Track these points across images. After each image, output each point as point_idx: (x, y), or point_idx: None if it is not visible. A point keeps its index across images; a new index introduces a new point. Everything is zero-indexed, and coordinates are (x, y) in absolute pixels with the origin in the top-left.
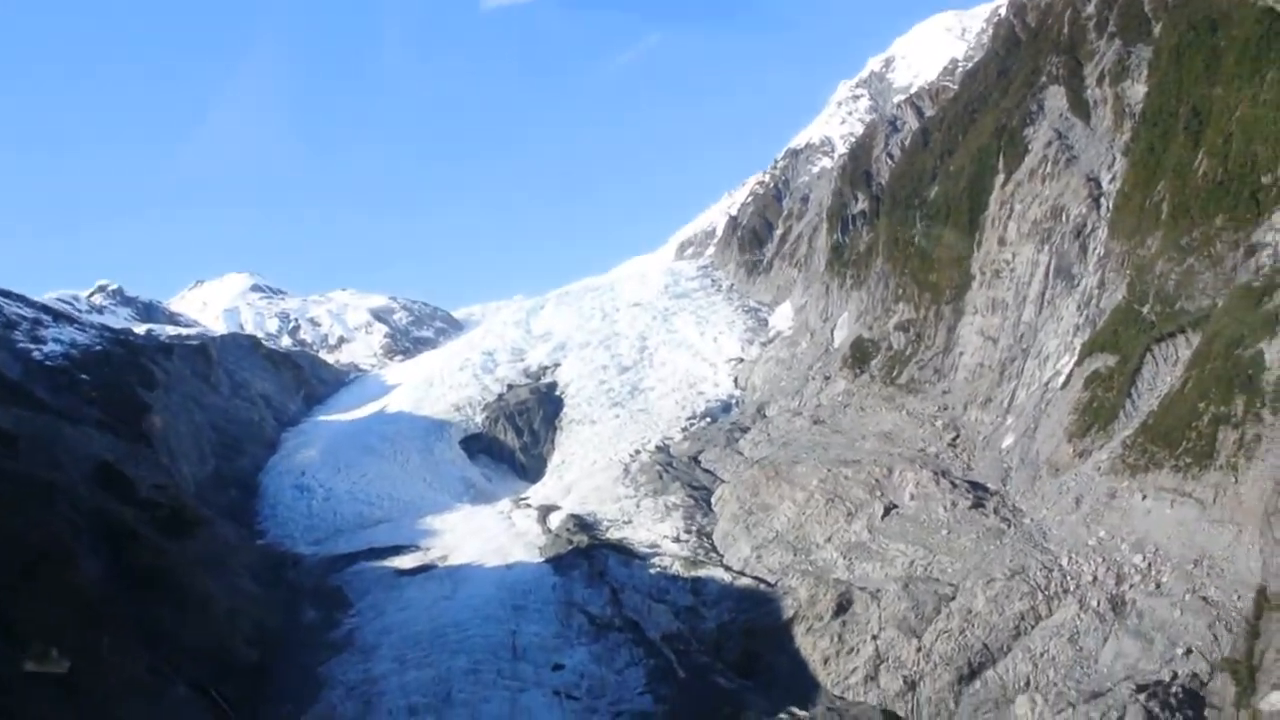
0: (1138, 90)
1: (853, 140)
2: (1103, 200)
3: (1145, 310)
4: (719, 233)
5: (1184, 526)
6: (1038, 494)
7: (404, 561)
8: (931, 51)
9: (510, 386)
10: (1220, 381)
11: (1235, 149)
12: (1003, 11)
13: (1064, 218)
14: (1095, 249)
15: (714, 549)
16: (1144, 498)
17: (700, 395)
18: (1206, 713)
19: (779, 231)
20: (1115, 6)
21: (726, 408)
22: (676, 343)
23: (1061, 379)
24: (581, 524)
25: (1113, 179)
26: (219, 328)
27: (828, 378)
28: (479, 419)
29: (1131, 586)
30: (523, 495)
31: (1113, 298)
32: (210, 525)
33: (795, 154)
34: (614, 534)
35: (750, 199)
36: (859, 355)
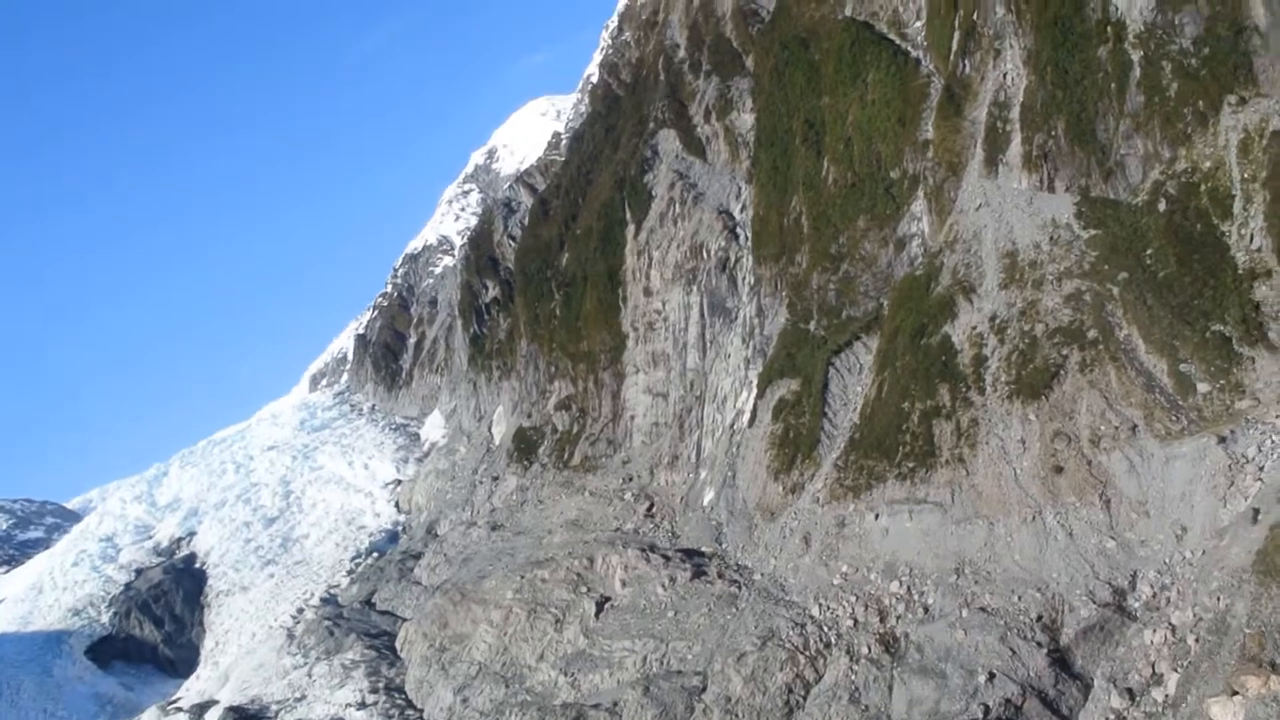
0: (745, 119)
1: (470, 233)
2: (739, 230)
3: (812, 326)
4: (350, 356)
5: (930, 536)
6: (759, 545)
7: None
8: (532, 135)
9: (139, 571)
10: (916, 375)
11: (858, 151)
12: (594, 78)
13: (705, 254)
14: (744, 278)
15: (409, 704)
16: (877, 516)
17: (361, 530)
18: None
19: (412, 340)
20: (705, 47)
21: (393, 537)
22: (325, 479)
23: (746, 417)
24: (244, 718)
25: (743, 207)
26: None
27: (496, 478)
28: (106, 618)
29: (899, 619)
30: (173, 698)
31: (775, 322)
32: None
33: (414, 259)
34: (285, 719)
35: (376, 314)
36: (524, 446)
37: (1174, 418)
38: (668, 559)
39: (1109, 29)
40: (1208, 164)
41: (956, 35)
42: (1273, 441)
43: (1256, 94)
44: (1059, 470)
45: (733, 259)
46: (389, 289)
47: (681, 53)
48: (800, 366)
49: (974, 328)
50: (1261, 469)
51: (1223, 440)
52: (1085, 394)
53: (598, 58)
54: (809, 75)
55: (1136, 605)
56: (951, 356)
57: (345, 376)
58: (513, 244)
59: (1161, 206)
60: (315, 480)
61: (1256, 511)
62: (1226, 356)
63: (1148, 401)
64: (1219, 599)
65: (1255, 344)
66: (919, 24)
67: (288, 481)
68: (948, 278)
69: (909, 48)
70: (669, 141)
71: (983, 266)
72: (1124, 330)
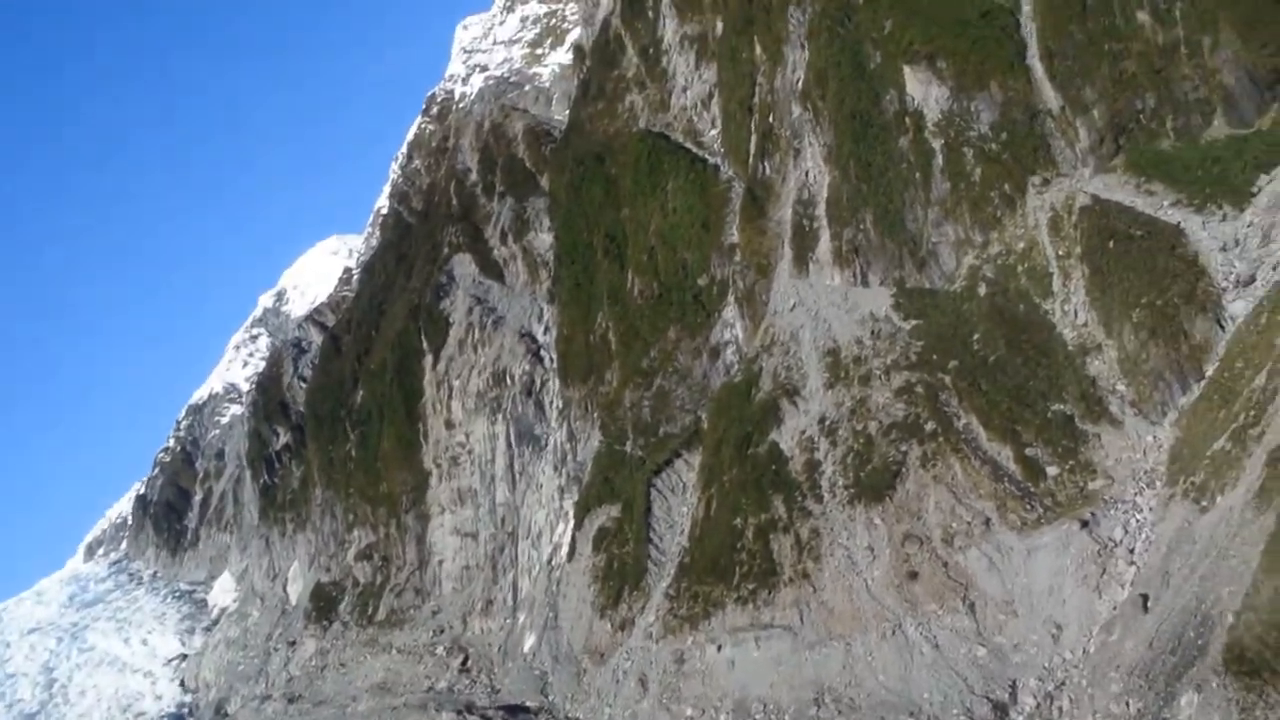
0: (544, 238)
1: (258, 377)
2: (543, 352)
3: (629, 447)
4: (130, 519)
5: (782, 665)
6: (590, 692)
7: None
8: (322, 273)
9: None
10: (746, 488)
11: (663, 260)
12: (385, 209)
13: (509, 380)
14: (552, 402)
15: None
16: (719, 648)
17: (140, 717)
18: None
19: (198, 497)
20: (498, 169)
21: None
22: (96, 661)
23: (565, 551)
24: None
25: (546, 328)
26: None
27: (293, 642)
28: None
29: None
30: None
31: (589, 446)
32: None
33: (198, 410)
34: None
35: (158, 472)
36: (323, 604)
37: (1028, 506)
38: (487, 719)
39: (907, 119)
40: (1021, 245)
41: (754, 138)
42: (1138, 520)
43: (1057, 174)
44: (914, 576)
45: (538, 383)
46: (171, 444)
47: (474, 176)
48: (619, 491)
49: (803, 432)
50: (1133, 551)
51: (1085, 525)
52: (931, 490)
53: (387, 189)
54: (607, 189)
55: (1020, 718)
56: (782, 464)
57: (124, 543)
58: (303, 385)
59: (981, 291)
60: (85, 663)
61: (1145, 598)
62: (1071, 436)
63: (998, 492)
64: (1126, 703)
65: (1098, 420)
66: (714, 132)
67: (51, 669)
68: (769, 382)
69: (706, 155)
70: (465, 266)
71: (804, 367)
72: (963, 419)
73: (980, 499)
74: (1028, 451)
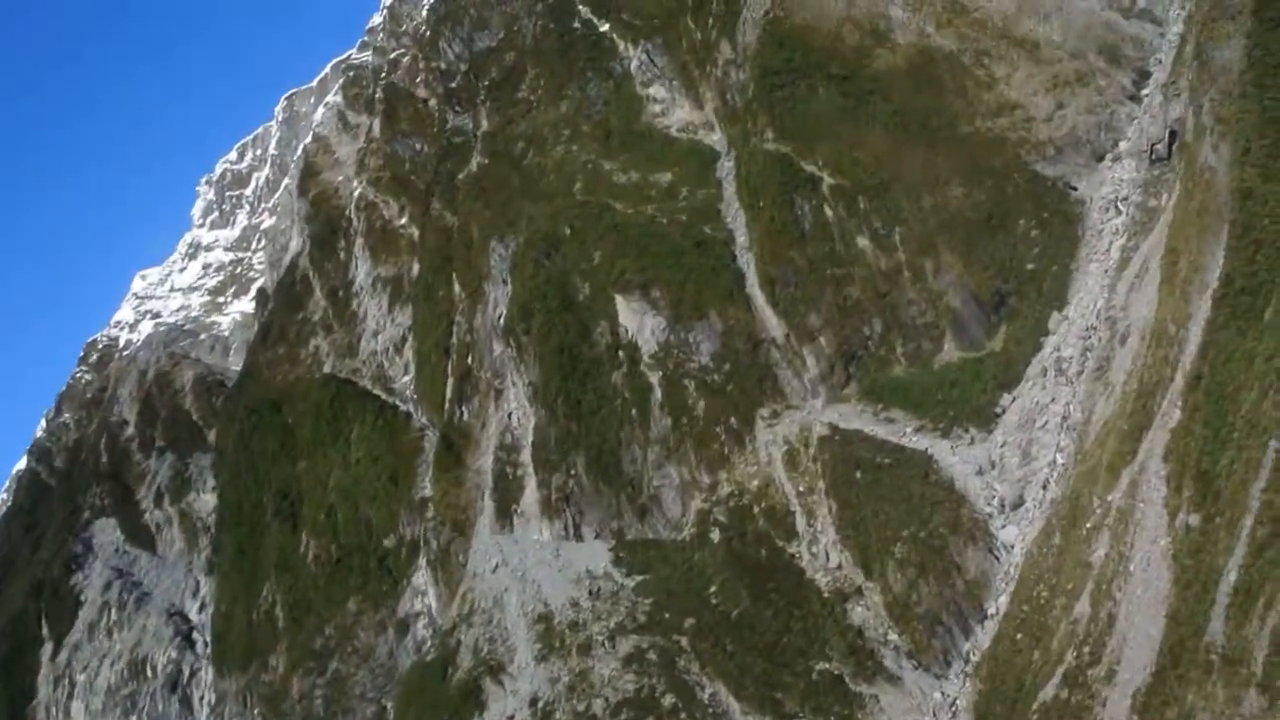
0: (206, 500)
1: None
2: (195, 634)
3: None
4: None
5: None
6: None
7: None
8: None
9: None
10: None
11: (343, 520)
12: (21, 466)
13: (150, 671)
14: (203, 697)
15: None
16: None
17: None
18: None
19: None
20: (159, 422)
21: None
22: None
23: None
24: None
25: (201, 605)
26: None
27: None
28: None
29: None
30: None
31: None
32: None
33: None
34: None
35: None
36: None
37: None
38: None
39: (621, 352)
40: (755, 483)
41: (450, 382)
42: None
43: (787, 405)
44: None
45: (186, 673)
46: None
47: (131, 429)
48: None
49: (510, 717)
50: None
51: None
52: None
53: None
54: (283, 440)
55: None
56: None
57: None
58: None
59: (714, 537)
60: None
61: None
62: (843, 699)
63: None
64: None
65: (872, 678)
66: (408, 378)
67: None
68: (468, 658)
69: (397, 401)
70: (108, 533)
71: (511, 639)
72: (708, 688)
73: None
74: None
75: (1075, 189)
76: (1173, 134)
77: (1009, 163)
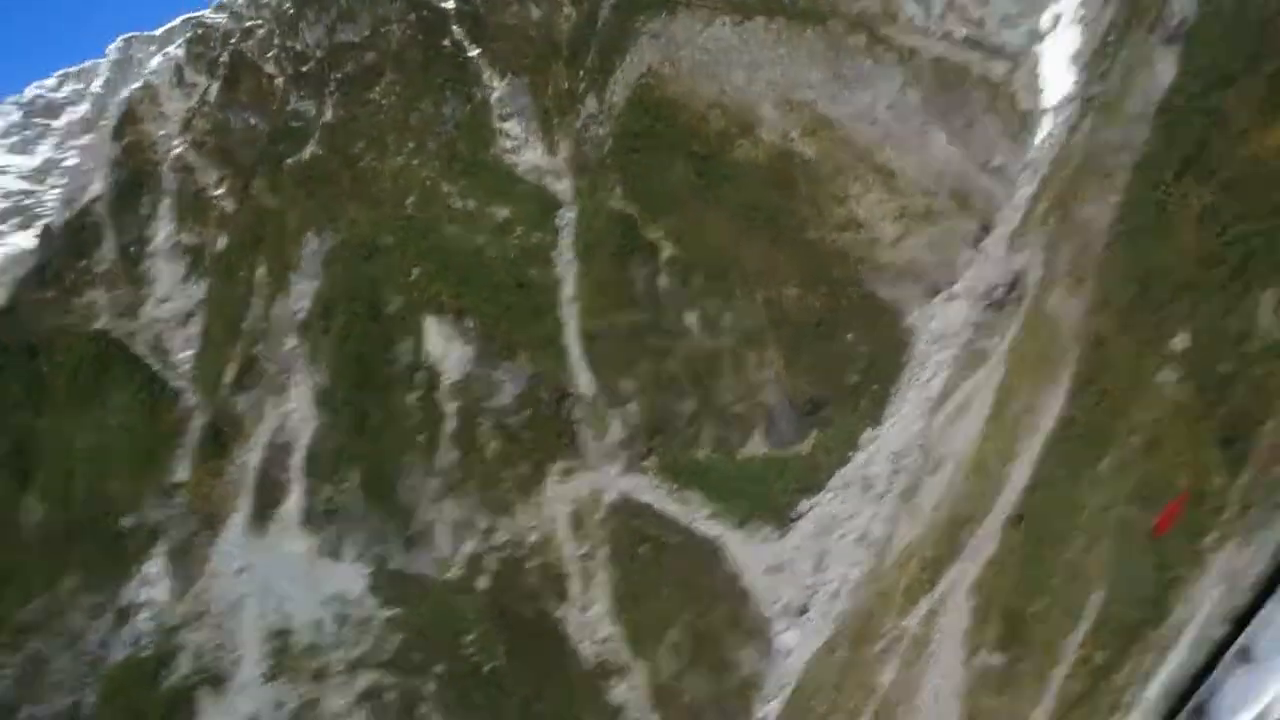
0: None
1: None
2: None
3: None
4: None
5: None
6: None
7: None
8: None
9: None
10: None
11: (81, 488)
12: None
13: None
14: None
15: None
16: None
17: None
18: None
19: None
20: None
21: None
22: None
23: None
24: None
25: None
26: None
27: None
28: None
29: None
30: None
31: None
32: None
33: None
34: None
35: None
36: None
37: None
38: None
39: (420, 375)
40: (534, 537)
41: (232, 367)
42: None
43: (583, 466)
44: None
45: None
46: None
47: None
48: None
49: None
50: None
51: None
52: None
53: None
54: (30, 389)
55: None
56: None
57: None
58: None
59: (481, 584)
60: None
61: None
62: None
63: None
64: None
65: None
66: (187, 353)
67: None
68: (187, 663)
69: (170, 376)
70: None
71: (239, 650)
72: None
73: None
74: None
75: (907, 317)
76: (1014, 282)
77: (848, 276)
